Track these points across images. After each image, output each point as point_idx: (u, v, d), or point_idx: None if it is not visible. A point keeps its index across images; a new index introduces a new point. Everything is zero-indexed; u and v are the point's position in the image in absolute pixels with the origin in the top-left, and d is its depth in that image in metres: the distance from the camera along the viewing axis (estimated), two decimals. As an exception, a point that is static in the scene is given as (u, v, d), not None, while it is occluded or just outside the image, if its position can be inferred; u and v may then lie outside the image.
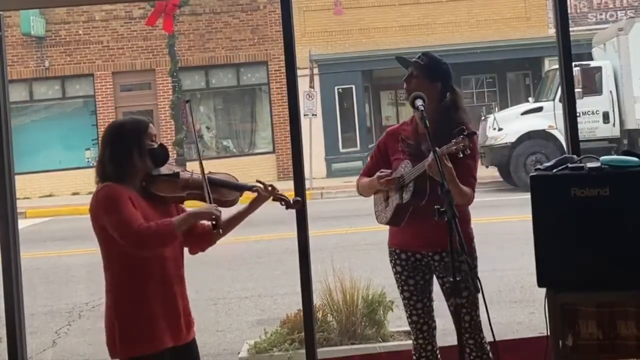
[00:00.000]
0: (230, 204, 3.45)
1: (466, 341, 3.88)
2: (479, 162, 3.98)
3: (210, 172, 3.46)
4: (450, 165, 3.60)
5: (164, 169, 3.37)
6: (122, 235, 3.12)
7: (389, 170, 3.92)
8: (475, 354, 3.91)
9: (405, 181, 3.83)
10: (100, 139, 3.41)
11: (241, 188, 3.50)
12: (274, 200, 3.52)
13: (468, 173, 3.80)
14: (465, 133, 3.58)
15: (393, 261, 4.04)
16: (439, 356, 4.05)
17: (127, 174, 3.26)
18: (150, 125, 3.38)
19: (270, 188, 3.49)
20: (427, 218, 3.73)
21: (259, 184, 3.50)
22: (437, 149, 3.51)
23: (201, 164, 3.41)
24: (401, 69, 4.16)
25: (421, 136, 3.85)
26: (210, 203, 3.31)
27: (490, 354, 3.94)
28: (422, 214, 3.80)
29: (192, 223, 3.30)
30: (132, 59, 21.31)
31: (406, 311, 4.05)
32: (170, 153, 3.47)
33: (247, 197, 3.54)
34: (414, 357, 4.04)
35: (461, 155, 3.58)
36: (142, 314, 3.21)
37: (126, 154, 3.26)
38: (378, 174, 3.91)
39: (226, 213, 3.46)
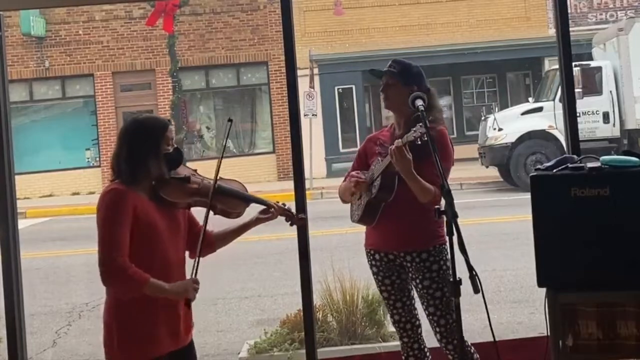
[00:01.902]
0: (236, 216, 3.43)
1: (446, 346, 3.87)
2: (452, 163, 3.96)
3: (221, 178, 3.41)
4: (409, 157, 3.64)
5: (177, 171, 3.34)
6: (99, 255, 3.08)
7: (362, 174, 3.96)
8: (458, 357, 3.83)
9: (374, 177, 3.86)
10: (118, 134, 3.35)
11: (250, 200, 3.48)
12: (280, 215, 3.54)
13: (433, 171, 3.66)
14: (422, 121, 3.59)
15: (369, 262, 4.07)
16: (427, 354, 4.03)
17: (140, 177, 3.22)
18: (170, 127, 3.34)
19: (278, 206, 3.52)
20: (399, 218, 3.80)
21: (267, 202, 3.51)
22: (398, 140, 3.62)
23: (217, 170, 3.34)
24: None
25: (397, 139, 3.87)
26: (211, 214, 3.29)
27: (476, 356, 3.91)
28: (392, 213, 3.83)
29: (164, 294, 3.19)
30: (132, 59, 21.31)
31: (388, 311, 4.09)
32: (183, 155, 3.42)
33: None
34: (403, 357, 4.04)
35: (419, 142, 3.57)
36: (143, 318, 3.17)
37: (142, 159, 3.21)
38: (352, 173, 3.98)
39: (230, 223, 3.46)
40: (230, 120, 3.78)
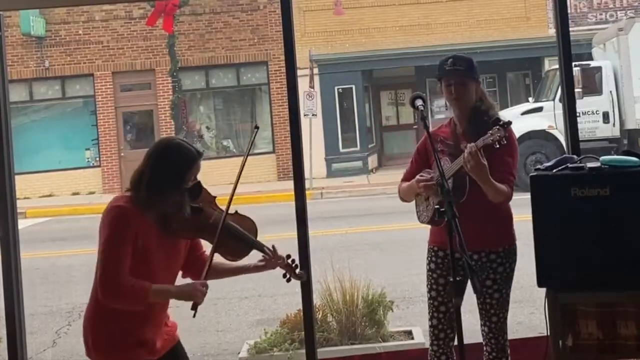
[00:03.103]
0: (232, 260, 3.33)
1: (489, 341, 3.91)
2: (518, 158, 3.94)
3: (236, 212, 3.31)
4: (485, 162, 3.59)
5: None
6: (100, 275, 3.04)
7: (429, 175, 3.86)
8: (495, 354, 3.90)
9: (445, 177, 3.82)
10: (147, 151, 3.23)
11: (255, 247, 3.34)
12: (280, 267, 3.42)
13: (506, 170, 3.76)
14: (500, 123, 3.58)
15: (429, 258, 4.00)
16: None
17: (154, 205, 3.14)
18: (198, 161, 3.19)
19: (281, 259, 3.39)
20: (469, 218, 3.60)
21: (270, 252, 3.37)
22: (473, 144, 3.57)
23: (228, 207, 3.22)
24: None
25: (460, 136, 3.86)
26: (214, 251, 3.20)
27: (510, 358, 3.94)
28: (464, 213, 3.61)
29: (169, 299, 3.19)
30: (132, 59, 21.30)
31: (429, 312, 3.99)
32: (202, 190, 3.25)
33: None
34: None
35: (497, 146, 3.55)
36: (119, 328, 3.14)
37: (162, 190, 3.12)
38: (418, 176, 3.88)
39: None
40: (257, 127, 3.61)
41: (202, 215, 3.22)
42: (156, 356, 3.26)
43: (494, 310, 3.87)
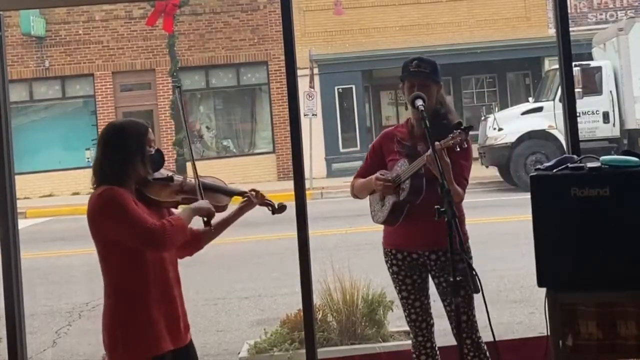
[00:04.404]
0: (221, 209, 3.47)
1: (463, 341, 3.90)
2: (472, 161, 4.01)
3: (199, 176, 3.46)
4: (448, 160, 3.64)
5: (158, 173, 3.38)
6: (139, 238, 3.10)
7: (388, 174, 3.93)
8: (473, 353, 3.93)
9: (402, 179, 3.86)
10: (99, 139, 3.35)
11: (232, 193, 3.55)
12: (260, 205, 3.58)
13: (460, 173, 3.83)
14: (462, 127, 3.62)
15: (389, 261, 4.07)
16: (437, 353, 4.07)
17: (127, 178, 3.23)
18: (149, 129, 3.36)
19: (260, 195, 3.56)
20: (422, 217, 3.75)
21: (250, 192, 3.55)
22: (437, 142, 3.58)
23: (194, 167, 3.43)
24: (401, 69, 4.18)
25: (417, 138, 3.90)
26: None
27: (488, 354, 3.97)
28: (417, 213, 3.82)
29: (193, 217, 3.31)
30: (132, 59, 21.31)
31: (404, 310, 4.08)
32: (165, 157, 3.46)
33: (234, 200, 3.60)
34: (414, 356, 4.07)
35: (458, 149, 3.60)
36: (145, 319, 3.19)
37: (129, 160, 3.22)
38: (377, 174, 3.94)
39: (215, 218, 3.48)
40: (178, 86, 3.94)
41: (174, 182, 3.41)
42: (181, 343, 3.31)
43: (462, 309, 3.87)
